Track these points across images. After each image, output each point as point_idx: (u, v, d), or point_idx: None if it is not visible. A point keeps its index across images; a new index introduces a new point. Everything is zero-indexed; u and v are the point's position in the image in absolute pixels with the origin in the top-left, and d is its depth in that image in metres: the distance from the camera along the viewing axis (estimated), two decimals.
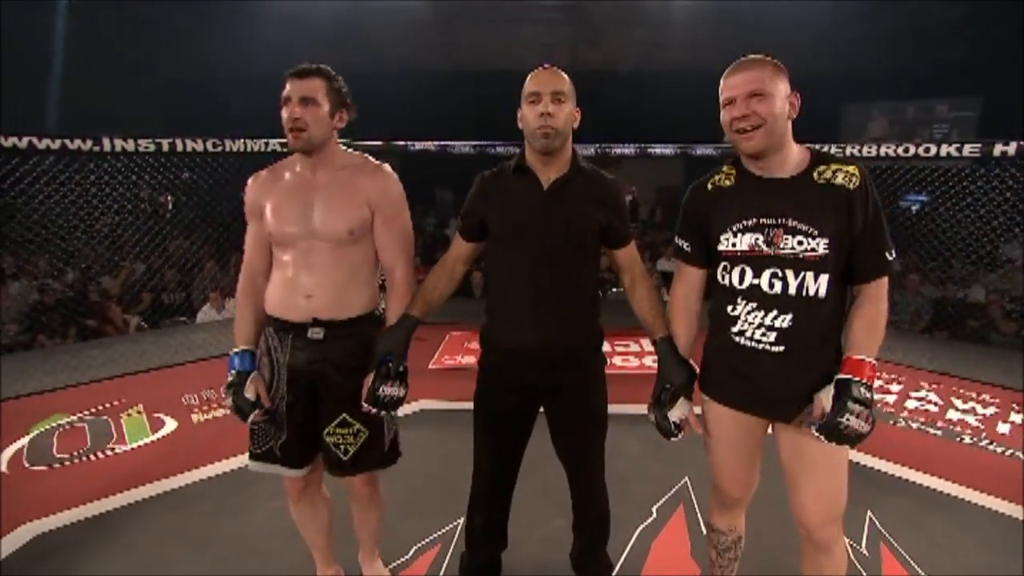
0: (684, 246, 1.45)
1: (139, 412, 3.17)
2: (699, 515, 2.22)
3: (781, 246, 1.27)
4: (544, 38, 8.31)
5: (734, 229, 1.32)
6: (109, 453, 2.72)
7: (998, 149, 3.51)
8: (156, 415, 3.13)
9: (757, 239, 1.29)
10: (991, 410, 3.31)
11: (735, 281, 1.34)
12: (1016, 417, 3.23)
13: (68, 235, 4.10)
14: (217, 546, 2.05)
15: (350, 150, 1.62)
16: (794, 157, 1.31)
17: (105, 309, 5.18)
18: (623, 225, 1.54)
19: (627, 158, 4.94)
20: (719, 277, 1.38)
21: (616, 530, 1.79)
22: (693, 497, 2.34)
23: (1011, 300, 5.01)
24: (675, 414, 1.42)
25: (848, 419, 1.20)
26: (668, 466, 2.54)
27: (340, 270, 1.50)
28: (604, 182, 1.54)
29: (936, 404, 3.39)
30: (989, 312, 5.04)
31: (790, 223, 1.26)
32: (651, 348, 4.81)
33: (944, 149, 3.61)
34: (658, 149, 4.83)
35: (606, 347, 1.66)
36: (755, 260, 1.30)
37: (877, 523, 2.16)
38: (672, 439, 1.44)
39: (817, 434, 1.24)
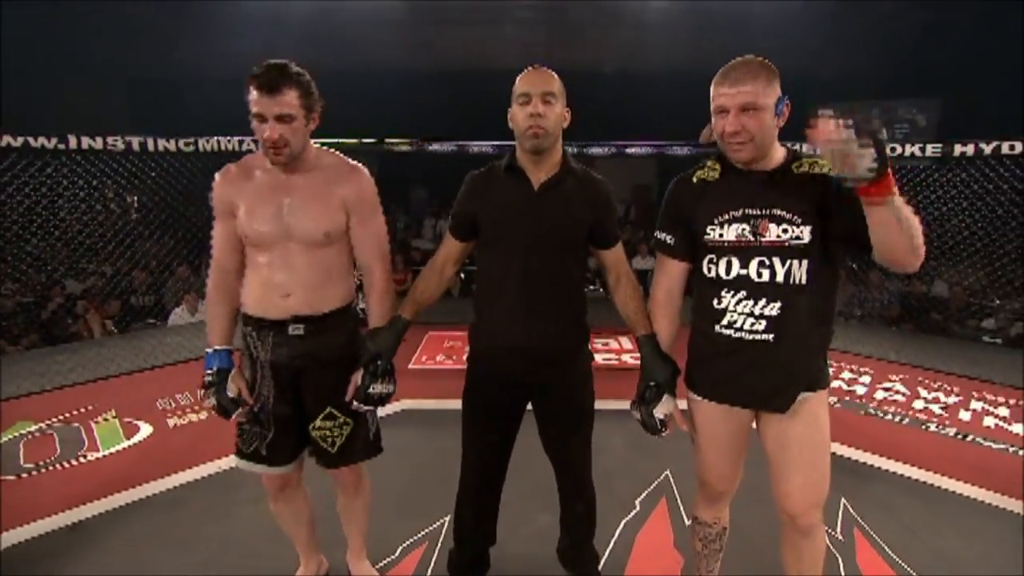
0: (667, 239, 1.46)
1: (112, 418, 3.08)
2: (681, 507, 2.27)
3: (767, 235, 1.30)
4: (520, 38, 8.32)
5: (720, 220, 1.34)
6: (82, 460, 2.64)
7: (958, 150, 3.68)
8: (130, 420, 3.05)
9: (744, 229, 1.32)
10: (953, 399, 3.45)
11: (722, 272, 1.35)
12: (976, 405, 3.38)
13: (32, 237, 3.96)
14: (203, 548, 2.02)
15: (324, 147, 1.57)
16: (777, 153, 1.35)
17: (84, 313, 5.03)
18: (612, 226, 1.57)
19: (602, 157, 4.99)
20: (705, 270, 1.39)
21: (601, 524, 1.82)
22: (675, 489, 2.39)
23: (971, 295, 5.23)
24: (660, 411, 1.44)
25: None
26: (649, 460, 2.59)
27: (316, 270, 1.50)
28: (594, 183, 1.56)
29: (903, 394, 3.53)
30: (951, 305, 5.25)
31: (775, 212, 1.30)
32: (630, 345, 4.86)
33: (908, 149, 3.75)
34: (634, 149, 4.89)
35: None
36: (742, 250, 1.32)
37: (851, 509, 2.24)
38: (658, 436, 1.46)
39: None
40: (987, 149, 3.65)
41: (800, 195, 1.30)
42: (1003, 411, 3.30)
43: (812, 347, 1.35)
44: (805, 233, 1.28)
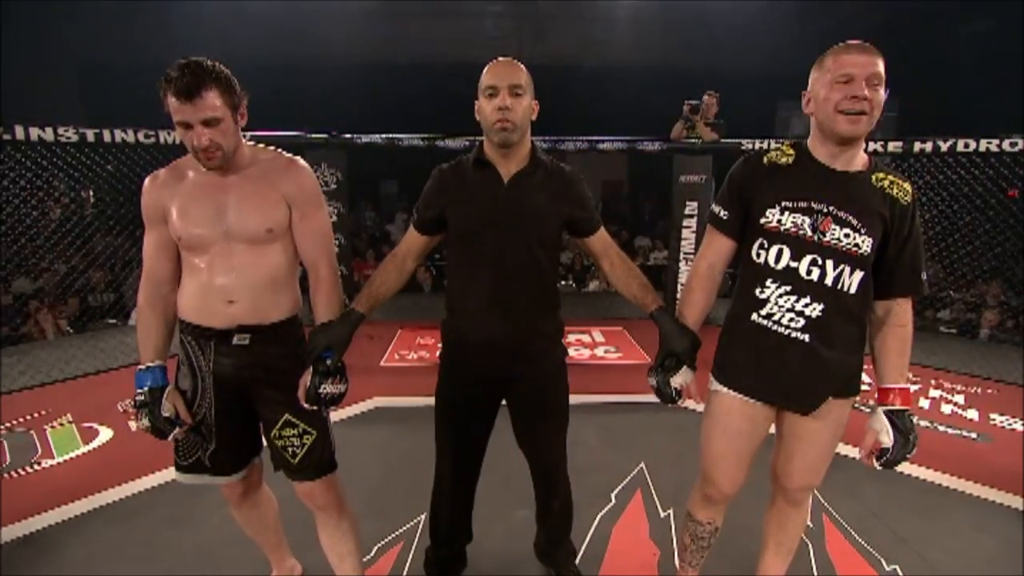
0: (722, 214, 1.41)
1: (67, 422, 2.95)
2: (656, 498, 2.29)
3: (827, 235, 1.26)
4: (491, 32, 8.28)
5: (781, 206, 1.30)
6: (34, 468, 2.52)
7: (917, 147, 3.81)
8: (88, 425, 2.92)
9: (804, 221, 1.28)
10: (913, 387, 3.58)
11: (771, 260, 1.31)
12: (935, 393, 3.51)
13: None
14: (168, 557, 1.94)
15: (258, 144, 1.49)
16: (860, 155, 1.31)
17: (35, 313, 4.79)
18: (588, 214, 1.55)
19: (573, 152, 4.99)
20: (753, 254, 1.35)
21: (577, 517, 1.83)
22: (649, 482, 2.41)
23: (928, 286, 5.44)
24: (678, 380, 1.40)
25: (911, 450, 1.32)
26: (624, 454, 2.60)
27: (261, 272, 1.41)
28: (563, 175, 1.54)
29: (867, 384, 3.62)
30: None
31: (841, 214, 1.26)
32: (602, 339, 4.84)
33: (871, 146, 3.86)
34: (606, 144, 4.91)
35: None
36: (796, 242, 1.28)
37: (819, 496, 2.30)
38: (672, 405, 1.44)
39: (878, 465, 1.36)
40: (944, 147, 3.80)
41: (872, 206, 1.26)
42: (959, 398, 3.44)
43: (847, 355, 1.33)
44: (865, 244, 1.25)
